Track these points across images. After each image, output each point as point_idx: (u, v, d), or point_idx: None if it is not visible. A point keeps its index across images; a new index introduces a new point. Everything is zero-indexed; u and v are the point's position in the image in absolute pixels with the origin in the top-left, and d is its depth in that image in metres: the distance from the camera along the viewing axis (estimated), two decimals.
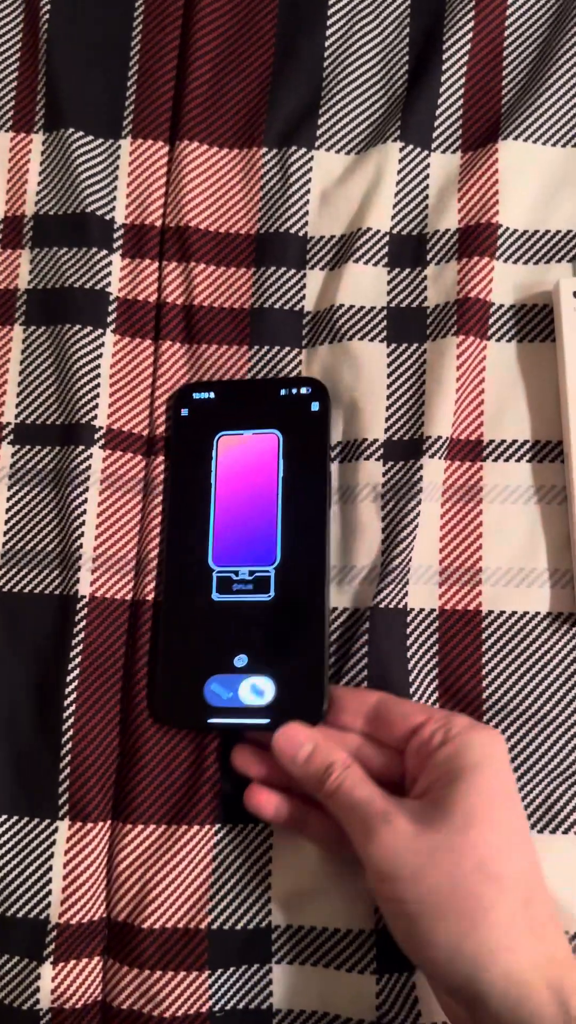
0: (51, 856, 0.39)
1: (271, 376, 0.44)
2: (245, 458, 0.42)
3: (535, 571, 0.41)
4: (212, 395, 0.43)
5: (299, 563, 0.41)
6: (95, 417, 0.43)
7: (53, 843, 0.39)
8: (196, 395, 0.43)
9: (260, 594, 0.41)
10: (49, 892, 0.39)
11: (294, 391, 0.43)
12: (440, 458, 0.42)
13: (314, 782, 0.35)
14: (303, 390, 0.43)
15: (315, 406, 0.42)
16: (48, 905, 0.38)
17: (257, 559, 0.41)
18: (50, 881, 0.39)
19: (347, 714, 0.38)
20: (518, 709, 0.40)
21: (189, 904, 0.39)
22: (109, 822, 0.40)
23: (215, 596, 0.41)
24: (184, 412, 0.43)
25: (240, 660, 0.40)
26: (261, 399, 0.43)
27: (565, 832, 0.39)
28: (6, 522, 0.43)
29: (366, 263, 0.44)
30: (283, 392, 0.43)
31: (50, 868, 0.39)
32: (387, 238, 0.45)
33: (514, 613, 0.41)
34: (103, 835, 0.39)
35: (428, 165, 0.45)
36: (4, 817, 0.40)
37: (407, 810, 0.33)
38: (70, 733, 0.40)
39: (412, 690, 0.40)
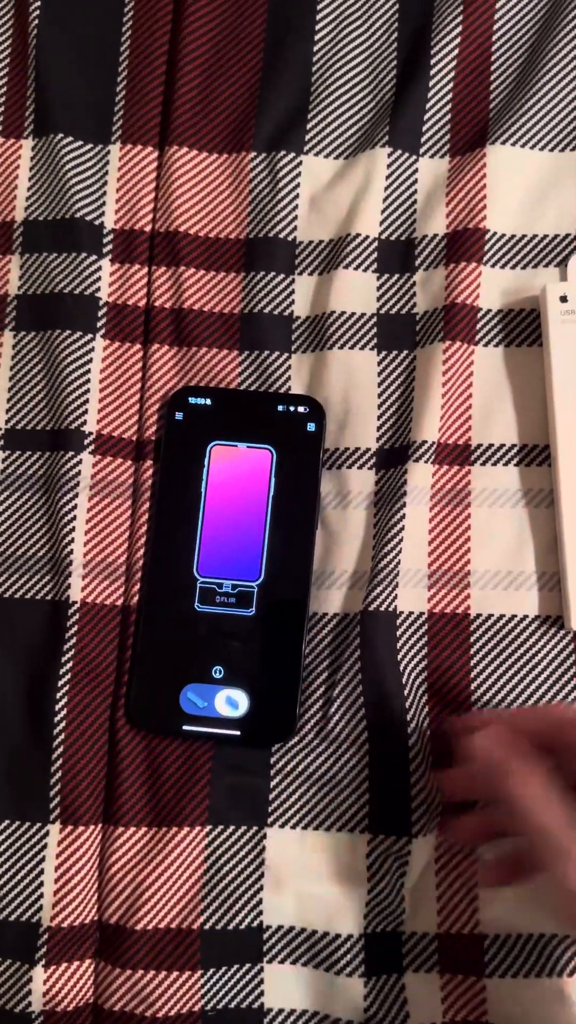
0: (42, 859, 0.39)
1: (262, 382, 0.44)
2: (237, 471, 0.42)
3: (523, 574, 0.41)
4: (208, 401, 0.43)
5: (282, 583, 0.41)
6: (84, 423, 0.43)
7: (44, 846, 0.39)
8: (192, 399, 0.43)
9: (242, 608, 0.41)
10: (41, 895, 0.39)
11: (291, 408, 0.43)
12: (428, 462, 0.42)
13: (504, 786, 0.32)
14: (300, 408, 0.43)
15: (311, 426, 0.43)
16: (40, 908, 0.39)
17: (241, 573, 0.41)
18: (42, 884, 0.39)
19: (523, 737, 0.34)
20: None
21: (181, 905, 0.39)
22: (100, 825, 0.40)
23: (198, 606, 0.41)
24: (179, 416, 0.43)
25: (217, 671, 0.41)
26: (257, 412, 0.43)
27: None
28: None
29: (356, 269, 0.44)
30: (280, 408, 0.43)
31: (41, 871, 0.39)
32: (376, 243, 0.45)
33: (502, 616, 0.41)
34: (94, 838, 0.40)
35: (416, 170, 0.46)
36: None
37: None
38: (61, 737, 0.40)
39: (404, 693, 0.40)
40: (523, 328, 0.44)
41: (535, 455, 0.42)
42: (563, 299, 0.42)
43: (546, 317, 0.42)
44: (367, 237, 0.45)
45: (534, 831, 0.31)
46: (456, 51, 0.46)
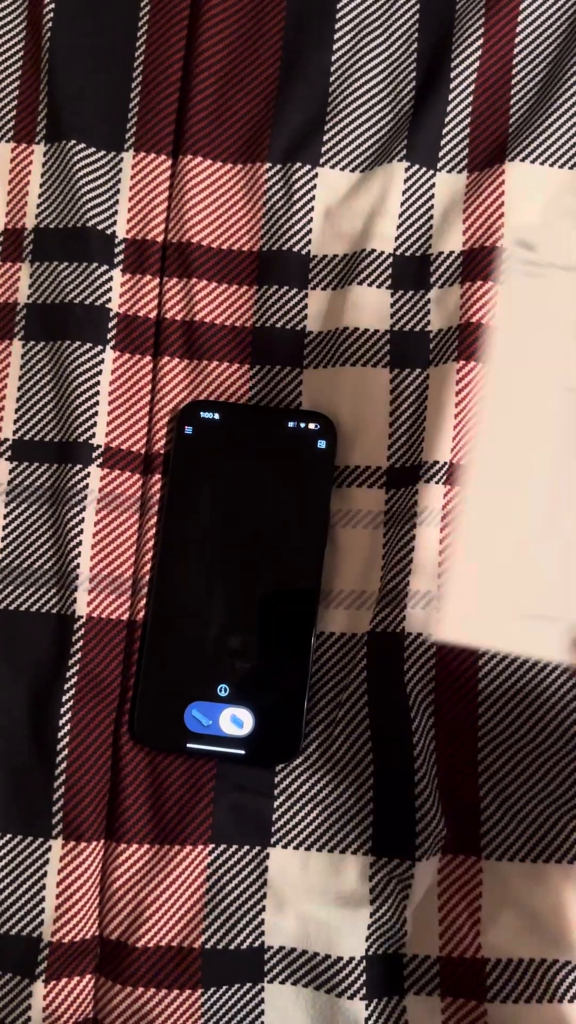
0: (44, 874, 0.39)
1: (272, 397, 0.44)
2: (245, 487, 0.42)
3: None
4: (217, 416, 0.43)
5: (290, 602, 0.41)
6: (93, 435, 0.43)
7: (46, 861, 0.39)
8: (202, 414, 0.43)
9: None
10: (42, 910, 0.39)
11: (302, 425, 0.42)
12: (439, 483, 0.41)
13: None
14: (311, 425, 0.42)
15: (322, 443, 0.42)
16: (41, 923, 0.39)
17: None
18: (43, 899, 0.39)
19: None
20: (512, 737, 0.40)
21: (183, 923, 0.39)
22: (103, 841, 0.40)
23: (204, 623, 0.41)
24: (188, 430, 0.43)
25: (223, 689, 0.40)
26: (267, 428, 0.43)
27: (558, 861, 0.39)
28: (2, 539, 0.43)
29: (370, 285, 0.44)
30: (291, 424, 0.42)
31: (43, 886, 0.39)
32: (391, 259, 0.44)
33: None
34: (96, 854, 0.39)
35: (433, 185, 0.45)
36: None
37: None
38: (65, 752, 0.40)
39: (410, 715, 0.40)
40: None
41: None
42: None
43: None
44: (382, 253, 0.44)
45: None
46: (476, 65, 0.46)
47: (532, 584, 0.30)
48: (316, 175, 0.45)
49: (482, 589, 0.30)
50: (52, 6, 0.47)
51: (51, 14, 0.47)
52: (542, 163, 0.44)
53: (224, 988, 0.39)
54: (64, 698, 0.40)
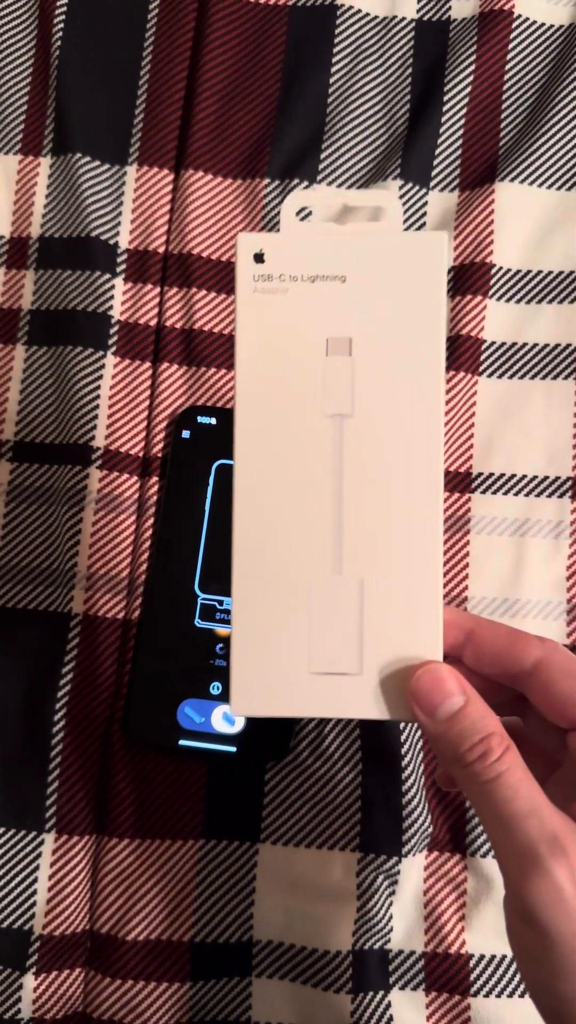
0: (36, 868, 0.40)
1: None
2: None
3: (519, 602, 0.42)
4: (214, 421, 0.44)
5: None
6: (93, 438, 0.44)
7: (39, 855, 0.40)
8: (200, 419, 0.44)
9: None
10: (34, 903, 0.39)
11: None
12: None
13: (454, 754, 0.25)
14: None
15: None
16: (32, 916, 0.39)
17: None
18: (35, 893, 0.39)
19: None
20: None
21: (172, 917, 0.39)
22: (94, 835, 0.40)
23: (198, 623, 0.42)
24: (185, 434, 0.44)
25: (215, 688, 0.41)
26: None
27: None
28: (2, 538, 0.43)
29: None
30: None
31: (35, 880, 0.39)
32: None
33: None
34: (88, 848, 0.40)
35: (426, 203, 0.47)
36: None
37: None
38: (59, 747, 0.40)
39: None
40: (526, 361, 0.45)
41: (535, 485, 0.43)
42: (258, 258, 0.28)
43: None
44: None
45: (489, 820, 0.25)
46: (469, 89, 0.48)
47: (319, 639, 0.27)
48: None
49: (267, 653, 0.27)
50: (61, 23, 0.48)
51: (60, 32, 0.48)
52: (531, 183, 0.46)
53: (212, 982, 0.39)
54: (59, 694, 0.41)
